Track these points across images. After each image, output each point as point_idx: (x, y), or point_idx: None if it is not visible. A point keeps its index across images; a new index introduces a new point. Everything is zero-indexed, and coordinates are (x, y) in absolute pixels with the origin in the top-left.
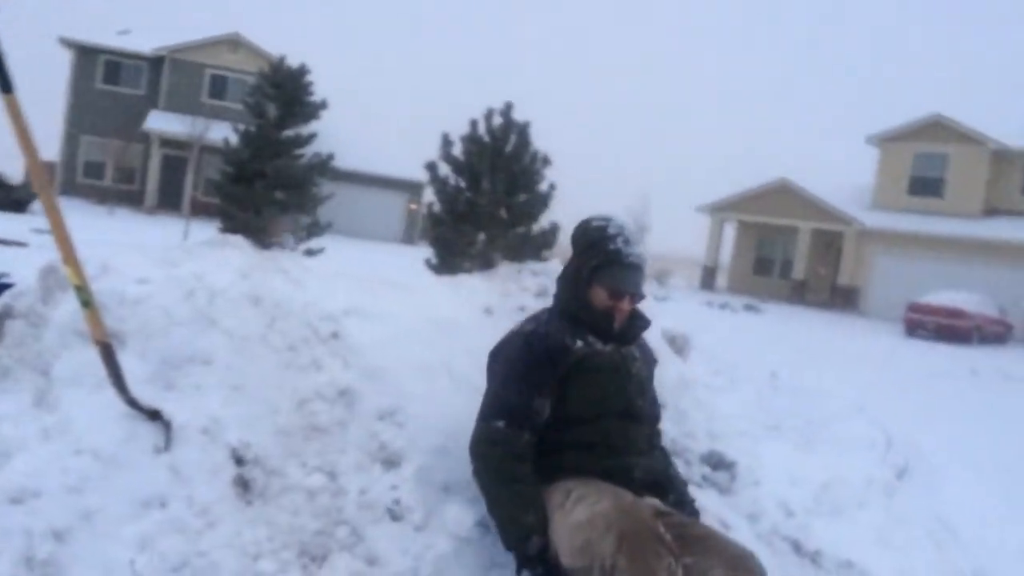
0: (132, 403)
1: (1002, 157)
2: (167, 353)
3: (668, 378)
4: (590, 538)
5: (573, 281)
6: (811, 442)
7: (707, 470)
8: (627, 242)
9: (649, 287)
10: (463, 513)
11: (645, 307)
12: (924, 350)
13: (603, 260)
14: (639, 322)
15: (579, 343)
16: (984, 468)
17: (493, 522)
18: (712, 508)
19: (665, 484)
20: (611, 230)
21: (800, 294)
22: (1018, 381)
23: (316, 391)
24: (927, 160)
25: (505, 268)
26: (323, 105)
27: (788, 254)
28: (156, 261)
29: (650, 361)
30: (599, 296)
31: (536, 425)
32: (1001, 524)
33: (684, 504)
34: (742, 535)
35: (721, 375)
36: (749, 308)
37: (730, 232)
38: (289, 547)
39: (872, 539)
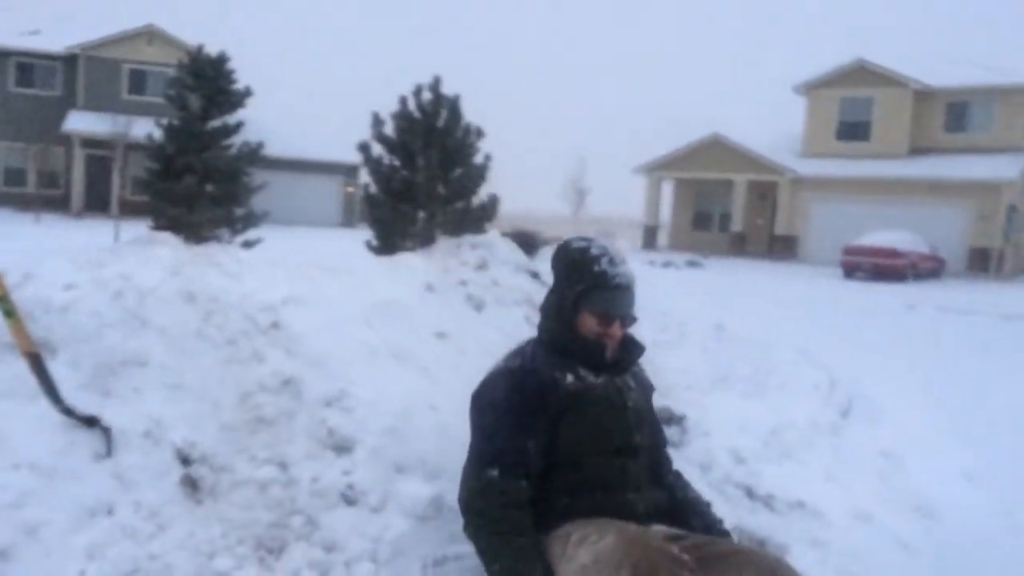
0: (67, 412)
1: (924, 97)
2: (100, 358)
3: None
4: None
5: (557, 309)
6: (758, 389)
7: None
8: (612, 262)
9: None
10: (418, 491)
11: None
12: (862, 291)
13: (589, 284)
14: (632, 349)
15: (570, 377)
16: (924, 399)
17: None
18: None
19: (686, 511)
20: (594, 251)
21: (740, 246)
22: (952, 313)
23: (259, 383)
24: (853, 105)
25: (444, 243)
26: (247, 93)
27: (726, 208)
28: (81, 265)
29: (647, 388)
30: (588, 323)
31: (531, 471)
32: (943, 451)
33: (712, 527)
34: (696, 486)
35: (667, 332)
36: (692, 264)
37: (668, 190)
38: (244, 542)
39: (821, 478)
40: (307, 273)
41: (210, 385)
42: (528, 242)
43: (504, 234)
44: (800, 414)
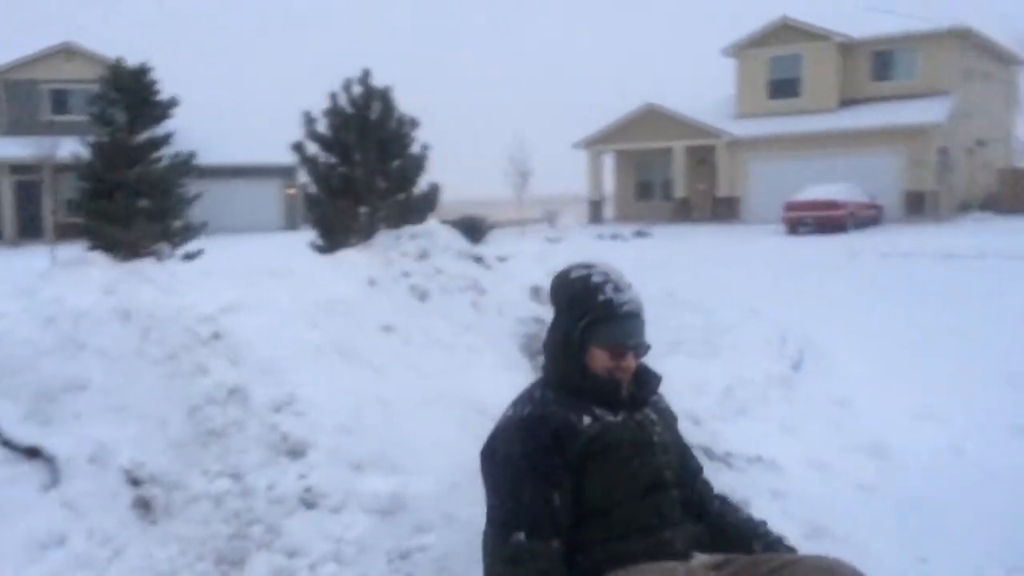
0: (6, 444)
1: (849, 49)
2: (38, 386)
3: None
4: None
5: (564, 347)
6: (711, 351)
7: None
8: (617, 289)
9: (541, 230)
10: (378, 487)
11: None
12: (806, 245)
13: (596, 315)
14: (649, 380)
15: (587, 420)
16: (872, 344)
17: None
18: None
19: (744, 535)
20: (596, 278)
21: (684, 212)
22: (893, 257)
23: (205, 395)
24: (781, 63)
25: (383, 236)
26: (173, 103)
27: (667, 175)
28: (10, 292)
29: (670, 418)
30: (599, 359)
31: (561, 527)
32: (892, 393)
33: (775, 546)
34: None
35: None
36: (639, 234)
37: (609, 163)
38: (204, 558)
39: (777, 431)
40: (246, 279)
41: (154, 403)
42: (474, 228)
43: (450, 222)
44: (753, 371)
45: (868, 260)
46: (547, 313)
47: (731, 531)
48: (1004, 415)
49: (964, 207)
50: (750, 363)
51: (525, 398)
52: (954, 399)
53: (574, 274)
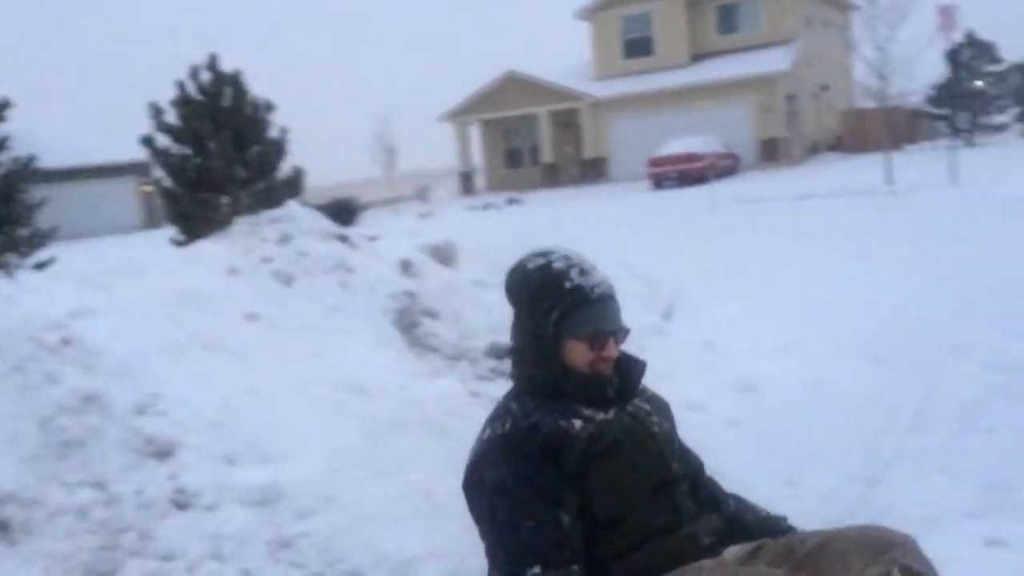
0: None
1: (695, 4)
2: None
3: (433, 288)
4: None
5: (535, 347)
6: None
7: (492, 362)
8: (583, 272)
9: (413, 207)
10: (252, 478)
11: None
12: (671, 198)
13: (567, 306)
14: (632, 367)
15: (577, 423)
16: (736, 287)
17: None
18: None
19: (769, 531)
20: (557, 264)
21: (553, 176)
22: (751, 203)
23: (58, 405)
24: (632, 22)
25: (241, 224)
26: (6, 104)
27: (534, 141)
28: None
29: (663, 407)
30: (578, 352)
31: (576, 549)
32: (757, 331)
33: (779, 526)
34: None
35: (495, 271)
36: (512, 202)
37: (477, 133)
38: (72, 572)
39: (652, 379)
40: (95, 281)
41: (2, 419)
42: (345, 210)
43: (319, 207)
44: (627, 323)
45: (729, 207)
46: (419, 286)
47: (753, 528)
48: (862, 345)
49: (813, 150)
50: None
51: (501, 413)
52: (815, 333)
53: (531, 265)
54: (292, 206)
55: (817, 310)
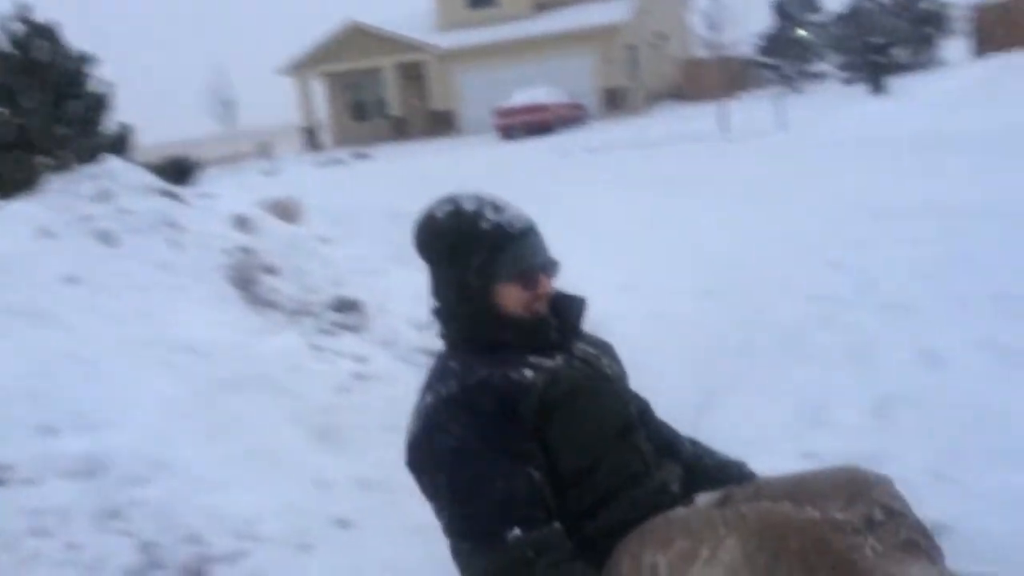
0: None
1: None
2: None
3: (273, 244)
4: None
5: (462, 300)
6: None
7: (337, 316)
8: (497, 208)
9: (256, 164)
10: (74, 448)
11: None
12: (519, 148)
13: (489, 248)
14: (571, 305)
15: (528, 373)
16: (581, 228)
17: None
18: (348, 349)
19: (732, 475)
20: (468, 206)
21: (402, 130)
22: (597, 151)
23: None
24: None
25: (56, 181)
26: None
27: (380, 94)
28: None
29: (608, 348)
30: (510, 296)
31: (551, 506)
32: (601, 270)
33: (741, 471)
34: (380, 363)
35: (340, 226)
36: (360, 156)
37: (320, 87)
38: None
39: None
40: None
41: None
42: (182, 169)
43: (154, 165)
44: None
45: (577, 156)
46: (256, 242)
47: (714, 473)
48: (697, 282)
49: (654, 99)
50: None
51: (441, 375)
52: (655, 271)
53: (440, 213)
54: (112, 161)
55: (657, 251)
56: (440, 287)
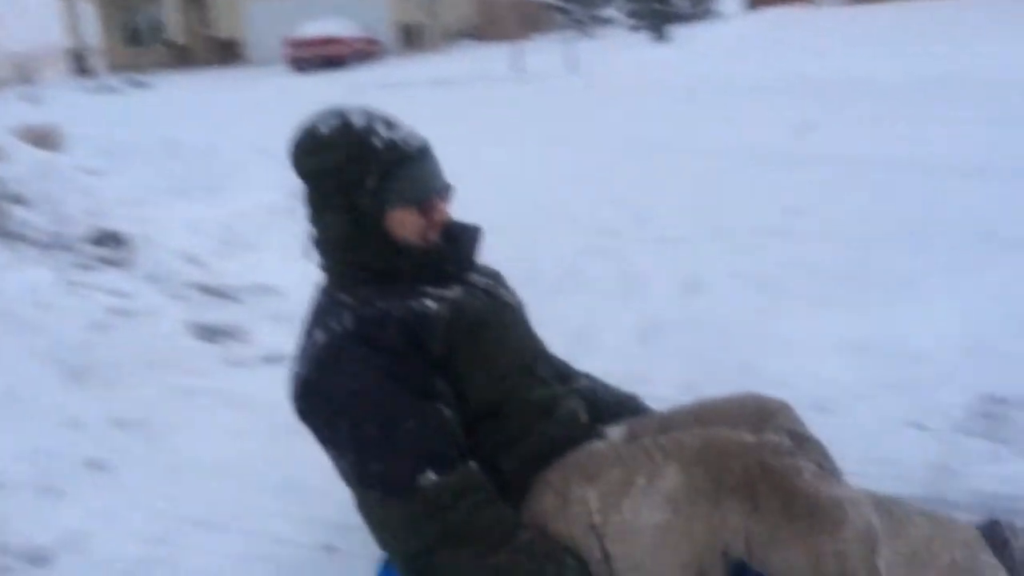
0: None
1: None
2: None
3: (24, 173)
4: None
5: (352, 226)
6: (214, 193)
7: (98, 250)
8: (390, 125)
9: (15, 90)
10: None
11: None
12: (311, 82)
13: (384, 168)
14: (465, 233)
15: (431, 304)
16: None
17: None
18: (110, 284)
19: (630, 408)
20: (358, 121)
21: (184, 58)
22: (391, 87)
23: None
24: None
25: None
26: None
27: (157, 19)
28: None
29: (500, 278)
30: (406, 223)
31: (465, 446)
32: None
33: (636, 404)
34: (145, 299)
35: (111, 157)
36: (137, 84)
37: (89, 7)
38: None
39: (278, 259)
40: None
41: None
42: None
43: None
44: (257, 207)
45: (371, 92)
46: (2, 169)
47: (612, 407)
48: (483, 216)
49: (451, 37)
50: (254, 200)
51: (330, 309)
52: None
53: (325, 128)
54: None
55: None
56: (323, 212)
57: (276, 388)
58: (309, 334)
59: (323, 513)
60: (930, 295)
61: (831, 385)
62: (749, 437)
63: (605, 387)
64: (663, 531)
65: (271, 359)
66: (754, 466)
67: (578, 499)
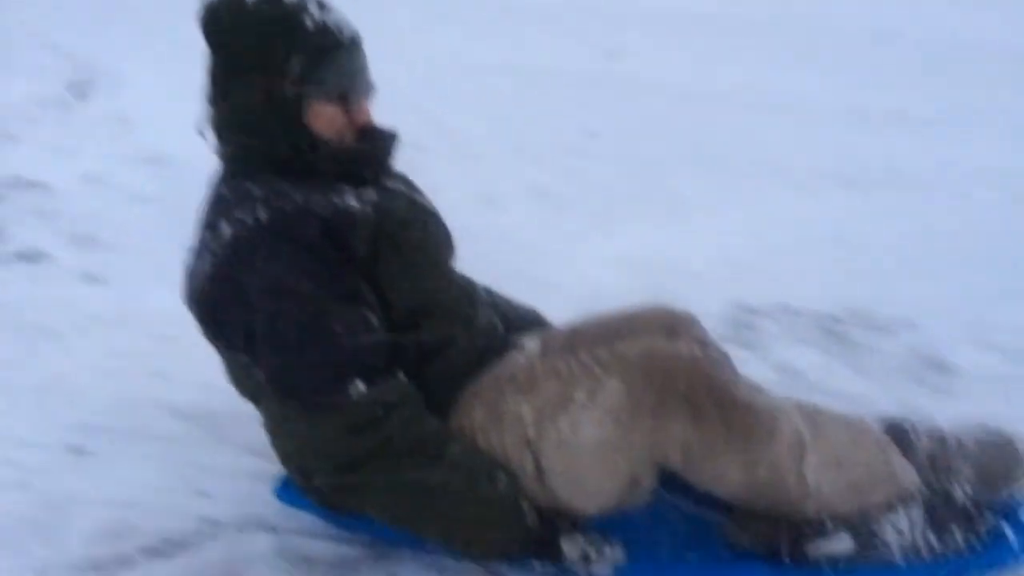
0: None
1: None
2: None
3: None
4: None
5: (268, 108)
6: None
7: None
8: (323, 6)
9: None
10: None
11: None
12: None
13: (313, 52)
14: (382, 137)
15: (353, 203)
16: (162, 66)
17: (443, 538)
18: None
19: (532, 320)
20: None
21: None
22: None
23: None
24: None
25: None
26: None
27: None
28: None
29: (412, 184)
30: (327, 118)
31: (390, 352)
32: (176, 107)
33: (538, 318)
34: None
35: None
36: None
37: None
38: None
39: (48, 153)
40: None
41: None
42: None
43: None
44: (25, 95)
45: None
46: None
47: (515, 320)
48: None
49: None
50: (22, 89)
51: (240, 199)
52: None
53: None
54: None
55: None
56: (234, 91)
57: (30, 286)
58: (215, 227)
59: (73, 416)
60: (704, 218)
61: (602, 293)
62: (687, 349)
63: (506, 300)
64: (602, 446)
65: (26, 256)
66: (698, 379)
67: (511, 413)
